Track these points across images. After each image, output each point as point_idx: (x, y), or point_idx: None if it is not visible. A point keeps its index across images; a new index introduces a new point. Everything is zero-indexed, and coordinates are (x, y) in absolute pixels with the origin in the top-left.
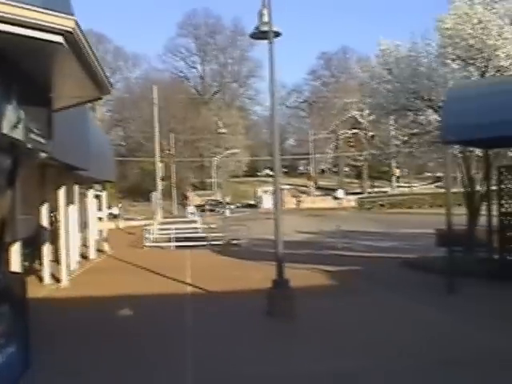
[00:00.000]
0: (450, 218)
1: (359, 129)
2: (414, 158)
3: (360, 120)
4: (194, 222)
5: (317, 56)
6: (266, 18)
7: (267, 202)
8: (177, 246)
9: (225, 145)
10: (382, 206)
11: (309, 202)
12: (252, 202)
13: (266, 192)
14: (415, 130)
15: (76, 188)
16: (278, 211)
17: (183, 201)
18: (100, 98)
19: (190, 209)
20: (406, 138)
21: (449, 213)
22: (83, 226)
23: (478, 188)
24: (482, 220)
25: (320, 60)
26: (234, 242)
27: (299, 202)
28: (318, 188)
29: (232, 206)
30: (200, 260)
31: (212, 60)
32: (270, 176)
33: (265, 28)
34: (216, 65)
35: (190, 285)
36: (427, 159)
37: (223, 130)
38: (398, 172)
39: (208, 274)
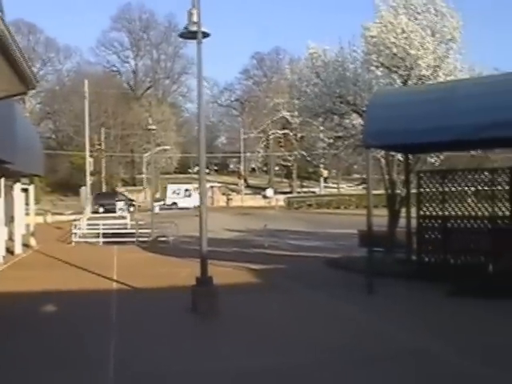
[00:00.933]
0: (371, 219)
1: (289, 129)
2: (340, 160)
3: (290, 121)
4: (123, 217)
5: (250, 55)
6: (195, 18)
7: (197, 200)
8: (105, 242)
9: (156, 141)
10: (309, 205)
11: (239, 200)
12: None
13: (196, 189)
14: (340, 133)
15: (1, 181)
16: (203, 209)
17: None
18: (25, 93)
19: (120, 204)
20: (331, 141)
21: (369, 214)
22: (9, 219)
23: (399, 191)
24: (403, 222)
25: (253, 60)
26: (162, 238)
27: (229, 199)
28: (248, 186)
29: (162, 203)
30: (127, 256)
31: (145, 55)
32: None
33: (194, 28)
34: (149, 60)
35: (116, 281)
36: (352, 161)
37: (153, 127)
38: (325, 173)
39: (135, 271)
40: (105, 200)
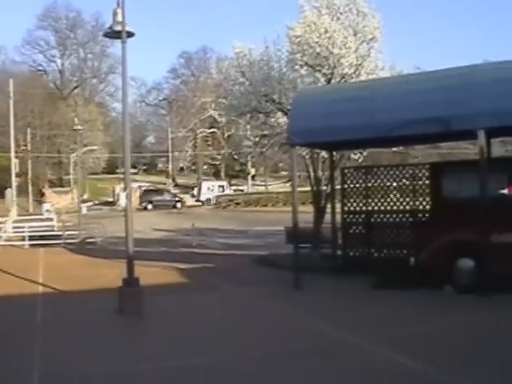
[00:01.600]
0: (296, 216)
1: (217, 128)
2: (267, 158)
3: (218, 119)
4: (50, 219)
5: (178, 54)
6: (119, 18)
7: (125, 200)
8: (31, 245)
9: (83, 141)
10: (238, 204)
11: None
12: (110, 200)
13: (123, 189)
14: (266, 132)
15: None
16: (128, 209)
17: (40, 198)
18: None
19: (46, 206)
20: (257, 139)
21: (295, 211)
22: None
23: (324, 187)
24: (329, 218)
25: (180, 59)
26: (90, 240)
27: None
28: (177, 186)
29: (90, 204)
30: (54, 259)
31: (72, 54)
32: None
33: (118, 28)
34: (76, 59)
35: (42, 284)
36: (279, 159)
37: (80, 127)
38: (253, 171)
39: (61, 273)
40: (153, 196)
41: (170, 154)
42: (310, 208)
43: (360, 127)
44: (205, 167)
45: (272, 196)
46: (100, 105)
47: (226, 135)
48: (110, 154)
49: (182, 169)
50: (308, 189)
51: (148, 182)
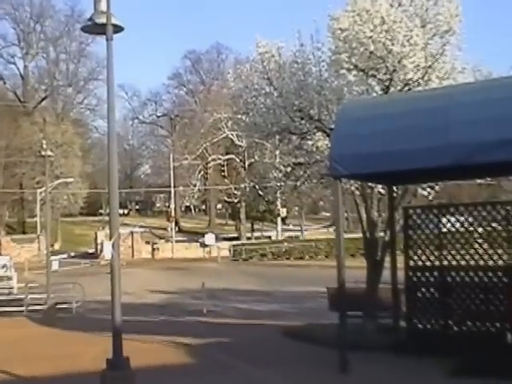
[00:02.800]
0: (343, 272)
1: (235, 154)
2: (301, 195)
3: (236, 142)
4: (8, 278)
5: (182, 55)
6: (102, 7)
7: (111, 251)
8: None
9: (54, 172)
10: (263, 255)
11: (168, 251)
12: (91, 251)
13: (109, 237)
14: (301, 159)
15: None
16: (115, 264)
17: None
18: None
19: (3, 260)
20: (289, 169)
21: (341, 266)
22: None
23: (381, 234)
24: (387, 275)
25: (186, 60)
26: (63, 306)
27: (155, 250)
28: (181, 231)
29: (63, 256)
30: (12, 332)
31: (38, 54)
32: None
33: (101, 20)
34: (44, 61)
35: None
36: (318, 196)
37: (50, 152)
38: (283, 212)
39: (23, 353)
40: None
41: (171, 189)
42: (361, 262)
43: (429, 151)
44: (219, 206)
45: (309, 245)
46: (77, 123)
47: (246, 164)
48: (91, 189)
49: (187, 209)
50: (359, 236)
51: (143, 226)
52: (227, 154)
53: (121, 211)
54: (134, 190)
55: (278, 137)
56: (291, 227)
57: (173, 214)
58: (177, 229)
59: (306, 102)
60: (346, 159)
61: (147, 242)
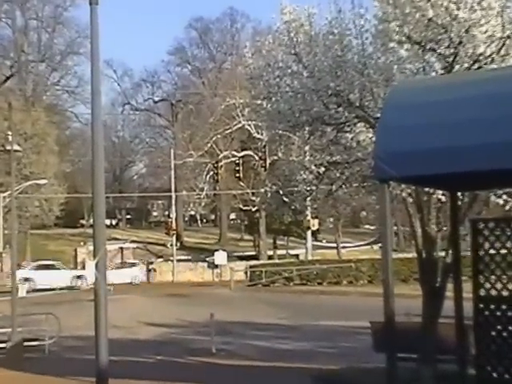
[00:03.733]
0: (391, 302)
1: (253, 150)
2: (338, 203)
3: (254, 135)
4: None
5: (186, 24)
6: None
7: (95, 272)
8: None
9: (22, 171)
10: (288, 279)
11: (168, 272)
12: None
13: (92, 255)
14: (338, 157)
15: None
16: (101, 288)
17: None
18: None
19: None
20: (322, 170)
21: (388, 294)
22: None
23: (441, 253)
24: (449, 307)
25: (191, 31)
26: (33, 343)
27: (152, 271)
28: (184, 248)
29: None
30: None
31: (1, 20)
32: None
33: None
34: (9, 30)
35: None
36: (359, 205)
37: (17, 147)
38: (315, 223)
39: None
40: None
41: (172, 194)
42: (415, 289)
43: (507, 148)
44: (232, 216)
45: (348, 267)
46: (52, 109)
47: (268, 162)
48: (70, 193)
49: (192, 219)
50: (412, 255)
51: (136, 241)
52: (243, 149)
53: (108, 222)
54: (125, 195)
55: (308, 128)
56: (324, 244)
57: (174, 225)
58: (179, 245)
59: (345, 83)
60: (396, 157)
61: (142, 262)
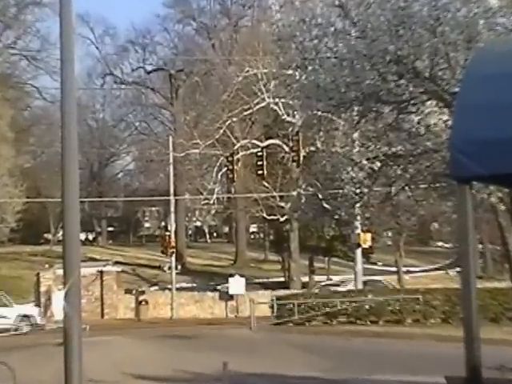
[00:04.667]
0: (476, 350)
1: (281, 138)
2: (400, 210)
3: (284, 117)
4: None
5: None
6: None
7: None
8: None
9: None
10: (330, 316)
11: (165, 306)
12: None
13: (62, 283)
14: (398, 147)
15: None
16: (73, 331)
17: None
18: None
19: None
20: (377, 165)
21: (471, 338)
22: None
23: None
24: None
25: None
26: None
27: (143, 304)
28: (187, 271)
29: None
30: None
31: None
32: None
33: None
34: None
35: None
36: (430, 214)
37: None
38: (367, 240)
39: None
40: None
41: (171, 199)
42: (510, 332)
43: None
44: (253, 229)
45: (414, 300)
46: (5, 80)
47: (301, 155)
48: (31, 196)
49: (199, 233)
50: (506, 285)
51: (121, 262)
52: (268, 138)
53: (83, 236)
54: (107, 200)
55: (357, 108)
56: (380, 267)
57: (173, 241)
58: (180, 268)
59: (409, 46)
60: (482, 148)
61: (128, 291)
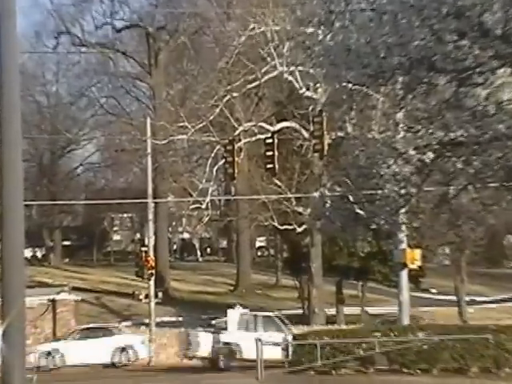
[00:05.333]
0: None
1: (300, 120)
2: (462, 218)
3: (302, 92)
4: None
5: None
6: None
7: None
8: None
9: None
10: (366, 361)
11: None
12: None
13: None
14: (459, 133)
15: None
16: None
17: None
18: None
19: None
20: (429, 156)
21: None
22: None
23: None
24: None
25: None
26: None
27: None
28: (170, 300)
29: None
30: None
31: None
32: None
33: None
34: None
35: None
36: (502, 224)
37: None
38: (417, 258)
39: None
40: None
41: (149, 201)
42: None
43: None
44: (260, 243)
45: (481, 340)
46: None
47: (326, 143)
48: None
49: (186, 247)
50: None
51: (82, 289)
52: (280, 120)
53: (29, 253)
54: (62, 204)
55: (402, 79)
56: (434, 295)
57: (151, 259)
58: (160, 295)
59: None
60: None
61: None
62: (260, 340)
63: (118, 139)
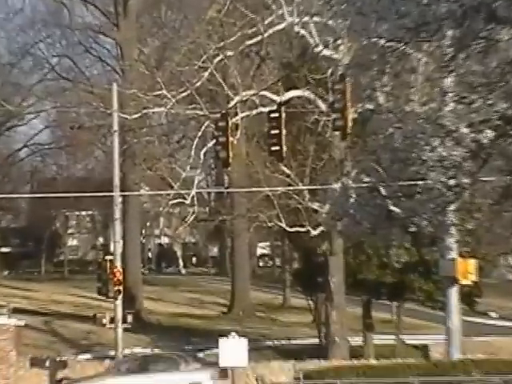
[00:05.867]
0: None
1: (316, 87)
2: None
3: (318, 50)
4: None
5: None
6: None
7: None
8: None
9: None
10: None
11: None
12: None
13: None
14: None
15: None
16: None
17: None
18: None
19: None
20: (487, 135)
21: None
22: None
23: None
24: None
25: None
26: None
27: None
28: (144, 326)
29: None
30: None
31: None
32: None
33: None
34: None
35: None
36: None
37: None
38: (471, 271)
39: None
40: None
41: (115, 194)
42: None
43: None
44: (261, 250)
45: None
46: None
47: (350, 117)
48: None
49: (164, 256)
50: None
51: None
52: (289, 88)
53: None
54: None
55: (452, 33)
56: (494, 320)
57: (119, 271)
58: (131, 319)
59: None
60: None
61: (37, 362)
62: (261, 378)
63: (74, 112)
